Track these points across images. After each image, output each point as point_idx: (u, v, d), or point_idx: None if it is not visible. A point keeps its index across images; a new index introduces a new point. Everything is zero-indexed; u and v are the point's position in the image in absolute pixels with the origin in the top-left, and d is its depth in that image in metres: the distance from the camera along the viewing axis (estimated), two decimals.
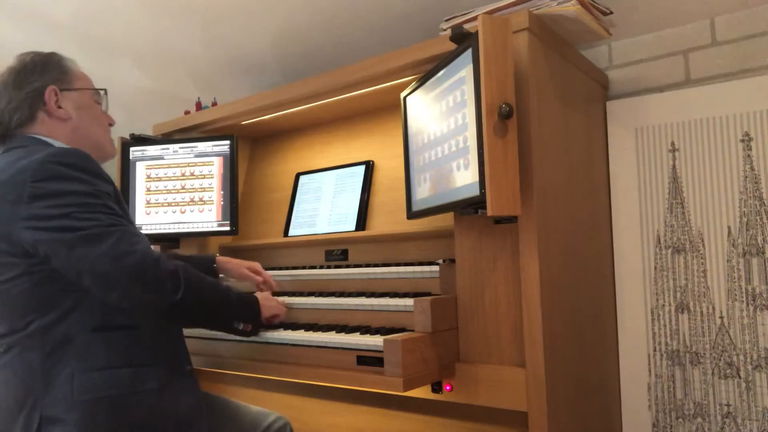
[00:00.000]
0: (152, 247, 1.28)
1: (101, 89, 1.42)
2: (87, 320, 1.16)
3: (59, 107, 1.31)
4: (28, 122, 1.29)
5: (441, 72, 1.50)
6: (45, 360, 1.14)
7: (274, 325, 1.57)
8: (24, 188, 1.12)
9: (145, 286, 1.13)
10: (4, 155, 1.26)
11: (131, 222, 1.25)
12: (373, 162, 1.97)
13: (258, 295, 1.50)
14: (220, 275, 1.84)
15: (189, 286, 1.18)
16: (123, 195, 1.82)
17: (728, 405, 1.66)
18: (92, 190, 1.15)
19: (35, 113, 1.29)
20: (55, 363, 1.14)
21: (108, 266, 1.10)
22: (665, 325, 1.77)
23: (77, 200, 1.13)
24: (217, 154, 2.16)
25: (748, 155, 1.67)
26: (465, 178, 1.40)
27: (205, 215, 2.14)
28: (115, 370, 1.16)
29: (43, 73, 1.32)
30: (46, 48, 2.69)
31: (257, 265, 1.83)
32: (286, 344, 1.49)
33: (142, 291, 1.13)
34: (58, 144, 1.29)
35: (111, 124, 1.44)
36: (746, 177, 1.67)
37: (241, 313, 1.36)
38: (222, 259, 1.80)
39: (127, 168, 2.20)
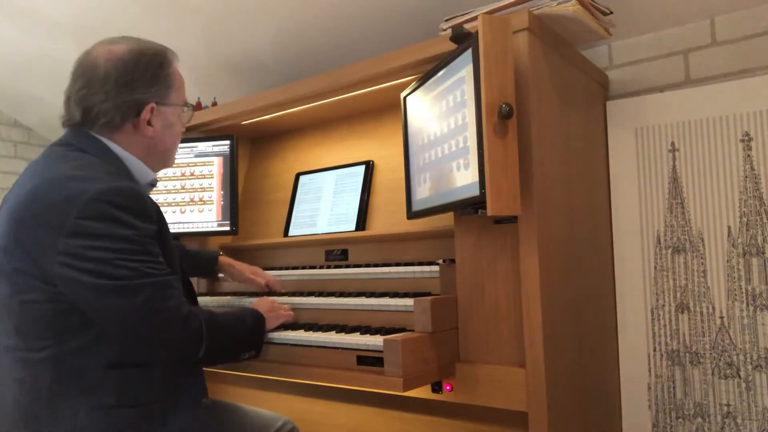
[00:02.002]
0: None
1: (191, 105, 1.37)
2: (103, 355, 1.12)
3: (149, 124, 1.26)
4: (112, 128, 1.23)
5: (441, 72, 1.50)
6: (53, 388, 1.09)
7: None
8: (67, 220, 1.06)
9: (169, 346, 1.12)
10: (67, 152, 1.20)
11: (173, 260, 1.22)
12: (373, 162, 1.97)
13: (262, 306, 1.50)
14: (220, 275, 1.84)
15: (210, 344, 1.16)
16: None
17: (728, 405, 1.66)
18: (134, 235, 1.10)
19: (124, 123, 1.23)
20: (63, 393, 1.09)
21: (137, 322, 1.08)
22: (665, 325, 1.77)
23: (117, 245, 1.08)
24: (217, 154, 2.16)
25: (748, 155, 1.67)
26: (465, 178, 1.40)
27: (205, 215, 2.14)
28: (123, 410, 1.12)
29: (151, 84, 1.25)
30: (46, 48, 2.70)
31: (258, 270, 1.83)
32: (287, 344, 1.49)
33: (166, 351, 1.13)
34: (130, 159, 1.25)
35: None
36: (746, 177, 1.67)
37: (248, 348, 1.35)
38: (225, 261, 1.78)
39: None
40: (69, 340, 1.11)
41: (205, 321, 1.17)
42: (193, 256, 1.78)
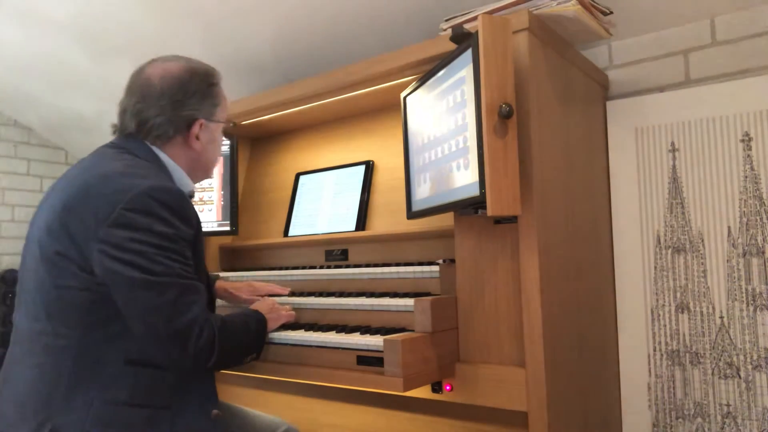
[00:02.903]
0: None
1: (231, 123, 1.44)
2: (123, 351, 1.15)
3: (197, 138, 1.34)
4: (164, 140, 1.31)
5: (441, 72, 1.50)
6: (72, 377, 1.12)
7: None
8: (113, 211, 1.12)
9: (183, 352, 1.13)
10: (119, 153, 1.26)
11: (202, 267, 1.27)
12: (373, 162, 1.97)
13: (263, 307, 1.50)
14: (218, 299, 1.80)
15: (221, 353, 1.18)
16: None
17: (728, 405, 1.66)
18: (174, 235, 1.15)
19: (175, 136, 1.32)
20: (81, 382, 1.12)
21: (158, 320, 1.11)
22: (665, 325, 1.77)
23: (156, 241, 1.12)
24: None
25: (748, 155, 1.67)
26: (465, 178, 1.40)
27: (205, 215, 2.14)
28: (134, 408, 1.14)
29: (202, 100, 1.34)
30: (46, 48, 2.69)
31: (255, 285, 1.80)
32: (287, 344, 1.49)
33: (179, 354, 1.14)
34: (175, 168, 1.32)
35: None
36: (746, 177, 1.67)
37: (252, 351, 1.37)
38: (222, 286, 1.76)
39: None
40: (94, 331, 1.14)
41: (218, 330, 1.19)
42: None
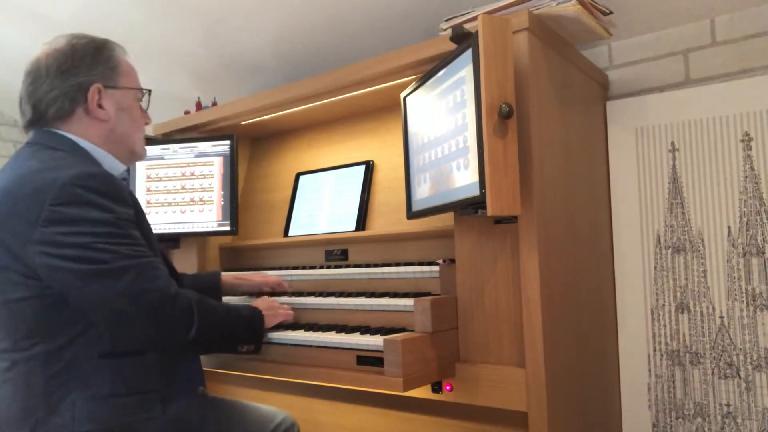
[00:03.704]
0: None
1: (146, 89, 1.36)
2: (94, 346, 1.12)
3: (100, 107, 1.26)
4: (64, 117, 1.24)
5: (441, 72, 1.50)
6: (48, 383, 1.09)
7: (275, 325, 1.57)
8: (42, 210, 1.06)
9: (160, 328, 1.11)
10: (36, 151, 1.20)
11: (153, 244, 1.22)
12: (373, 162, 1.97)
13: (262, 304, 1.49)
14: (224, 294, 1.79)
15: (202, 324, 1.15)
16: None
17: (728, 405, 1.66)
18: (112, 218, 1.10)
19: (74, 109, 1.24)
20: (58, 387, 1.10)
21: (124, 305, 1.07)
22: (665, 325, 1.77)
23: (96, 229, 1.08)
24: (217, 154, 2.16)
25: (748, 155, 1.67)
26: (465, 178, 1.40)
27: (205, 215, 2.14)
28: (119, 398, 1.12)
29: (92, 66, 1.25)
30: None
31: (265, 276, 1.81)
32: (287, 344, 1.49)
33: (156, 332, 1.11)
34: (98, 151, 1.26)
35: (147, 123, 1.38)
36: (746, 177, 1.67)
37: (246, 338, 1.35)
38: (228, 278, 1.75)
39: (126, 168, 2.19)
40: (58, 335, 1.11)
41: (195, 302, 1.16)
42: (192, 278, 1.73)
